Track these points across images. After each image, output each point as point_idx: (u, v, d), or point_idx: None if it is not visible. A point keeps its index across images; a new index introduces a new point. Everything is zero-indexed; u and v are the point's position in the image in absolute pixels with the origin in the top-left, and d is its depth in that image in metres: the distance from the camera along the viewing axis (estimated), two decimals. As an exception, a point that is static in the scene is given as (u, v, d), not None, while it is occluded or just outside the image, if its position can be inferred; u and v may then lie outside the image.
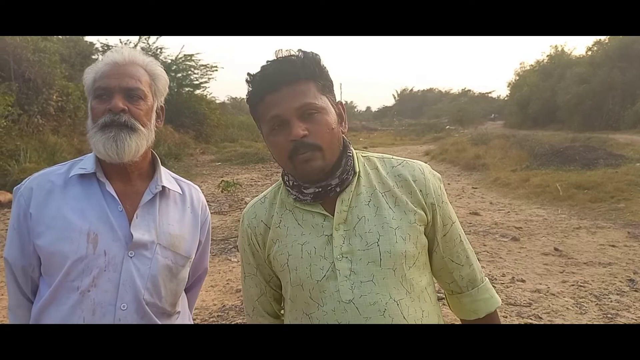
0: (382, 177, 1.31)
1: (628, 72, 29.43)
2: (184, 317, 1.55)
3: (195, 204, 1.54)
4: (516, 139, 19.96)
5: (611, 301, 4.51)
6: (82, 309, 1.32)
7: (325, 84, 1.26)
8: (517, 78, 47.24)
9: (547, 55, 42.26)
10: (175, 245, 1.43)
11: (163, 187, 1.44)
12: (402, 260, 1.24)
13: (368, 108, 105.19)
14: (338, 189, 1.27)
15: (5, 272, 1.42)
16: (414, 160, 1.37)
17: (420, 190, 1.29)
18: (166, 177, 1.49)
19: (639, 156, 14.34)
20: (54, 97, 13.96)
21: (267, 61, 1.25)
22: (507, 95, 52.95)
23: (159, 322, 1.41)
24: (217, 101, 29.77)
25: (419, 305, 1.26)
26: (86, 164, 1.41)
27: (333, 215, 1.26)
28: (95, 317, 1.32)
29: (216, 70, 25.79)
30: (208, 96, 26.39)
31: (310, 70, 1.23)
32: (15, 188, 1.42)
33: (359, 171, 1.31)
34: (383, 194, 1.28)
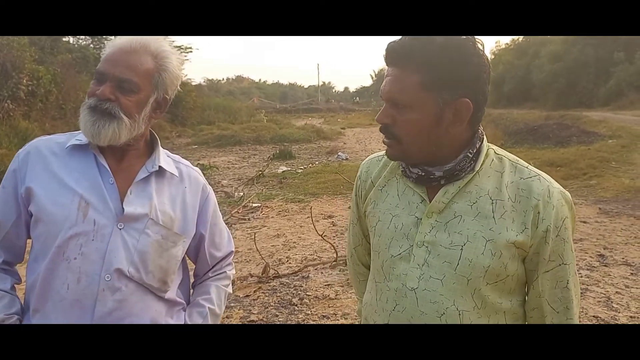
0: (502, 185, 1.18)
1: (601, 50, 29.80)
2: (172, 293, 1.52)
3: (193, 184, 1.56)
4: (491, 118, 20.17)
5: (581, 276, 4.60)
6: (66, 276, 1.34)
7: (434, 81, 1.12)
8: (493, 57, 47.48)
9: (522, 34, 42.52)
10: (167, 222, 1.44)
11: (160, 167, 1.47)
12: (481, 274, 1.15)
13: (346, 88, 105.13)
14: (443, 182, 1.20)
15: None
16: (551, 181, 1.20)
17: (538, 212, 1.14)
18: (164, 158, 1.51)
19: (611, 133, 14.62)
20: (24, 81, 13.62)
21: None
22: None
23: (137, 297, 1.40)
24: (193, 83, 29.41)
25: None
26: (82, 136, 1.44)
27: (430, 201, 1.21)
28: (80, 285, 1.34)
29: (191, 51, 25.51)
30: (183, 78, 25.99)
31: (419, 62, 1.12)
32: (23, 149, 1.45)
33: (479, 170, 1.20)
34: (493, 201, 1.17)
